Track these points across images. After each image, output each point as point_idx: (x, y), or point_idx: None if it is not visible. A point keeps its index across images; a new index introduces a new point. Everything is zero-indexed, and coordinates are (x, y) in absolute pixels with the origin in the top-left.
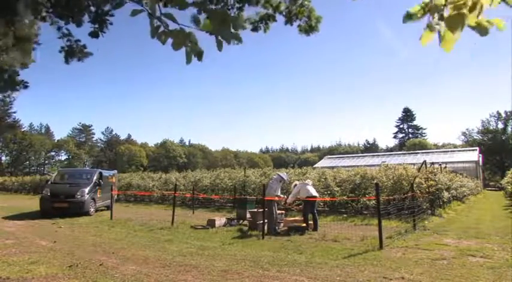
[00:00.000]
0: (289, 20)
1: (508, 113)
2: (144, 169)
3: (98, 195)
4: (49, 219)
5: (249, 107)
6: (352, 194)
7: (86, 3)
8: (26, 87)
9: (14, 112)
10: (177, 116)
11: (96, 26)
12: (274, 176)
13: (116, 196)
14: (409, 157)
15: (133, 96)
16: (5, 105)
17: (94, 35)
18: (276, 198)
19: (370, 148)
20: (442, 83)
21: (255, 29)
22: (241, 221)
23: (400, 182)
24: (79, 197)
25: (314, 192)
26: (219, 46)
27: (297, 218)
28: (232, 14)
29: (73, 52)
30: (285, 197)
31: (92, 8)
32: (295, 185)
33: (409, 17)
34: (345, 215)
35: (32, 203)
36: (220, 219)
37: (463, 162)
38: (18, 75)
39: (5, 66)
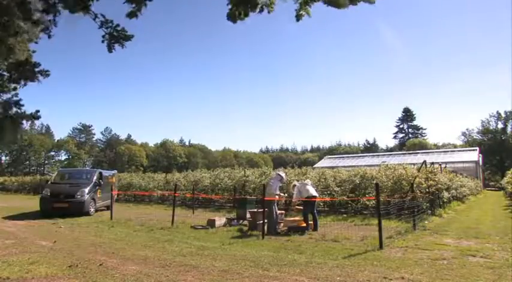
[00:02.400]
0: None
1: (508, 113)
2: (144, 169)
3: (98, 195)
4: (49, 219)
5: (248, 107)
6: (352, 194)
7: None
8: (47, 75)
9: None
10: (177, 116)
11: (134, 5)
12: (274, 175)
13: (116, 196)
14: (409, 157)
15: (133, 96)
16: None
17: (132, 15)
18: (277, 198)
19: (370, 148)
20: (442, 83)
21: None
22: (241, 221)
23: (400, 182)
24: (79, 197)
25: (314, 192)
26: None
27: (297, 218)
28: None
29: (116, 38)
30: (285, 195)
31: None
32: (294, 185)
33: None
34: (345, 215)
35: (32, 203)
36: (220, 219)
37: (463, 162)
38: (40, 65)
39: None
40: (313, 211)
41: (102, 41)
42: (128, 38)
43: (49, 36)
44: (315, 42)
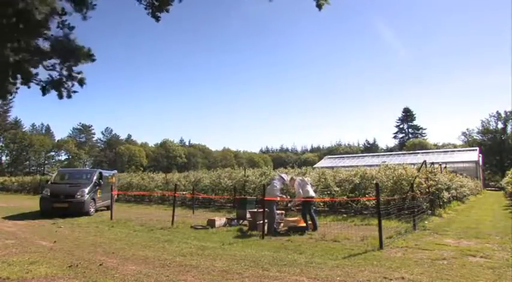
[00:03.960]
0: None
1: (508, 113)
2: (144, 169)
3: (98, 195)
4: (49, 219)
5: (249, 107)
6: (352, 194)
7: None
8: (93, 60)
9: (11, 107)
10: (177, 116)
11: None
12: (277, 177)
13: (115, 196)
14: (409, 157)
15: (133, 96)
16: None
17: None
18: (278, 199)
19: (370, 148)
20: (442, 83)
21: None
22: (241, 221)
23: (400, 182)
24: (79, 197)
25: (313, 193)
26: None
27: (296, 218)
28: None
29: (157, 7)
30: (288, 197)
31: None
32: (292, 178)
33: None
34: (344, 215)
35: (32, 203)
36: (220, 219)
37: (463, 162)
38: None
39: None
40: (311, 211)
41: (148, 14)
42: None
43: (84, 18)
44: (315, 42)
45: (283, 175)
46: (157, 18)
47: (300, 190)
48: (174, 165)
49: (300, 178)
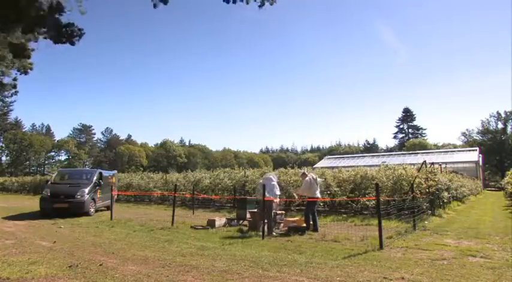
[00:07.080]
0: None
1: (508, 113)
2: (144, 169)
3: (98, 196)
4: (49, 219)
5: (249, 107)
6: (352, 194)
7: None
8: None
9: (11, 110)
10: (177, 116)
11: None
12: (271, 177)
13: (116, 196)
14: (409, 157)
15: (133, 96)
16: (5, 105)
17: None
18: (278, 199)
19: (370, 148)
20: (442, 83)
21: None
22: (241, 221)
23: (400, 182)
24: (79, 197)
25: (319, 194)
26: None
27: (297, 218)
28: None
29: None
30: (282, 199)
31: None
32: (304, 173)
33: None
34: (344, 215)
35: (32, 203)
36: (220, 220)
37: (463, 162)
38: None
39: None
40: (314, 211)
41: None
42: None
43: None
44: (315, 42)
45: (272, 176)
46: (155, 5)
47: (308, 187)
48: (175, 165)
49: (313, 176)
